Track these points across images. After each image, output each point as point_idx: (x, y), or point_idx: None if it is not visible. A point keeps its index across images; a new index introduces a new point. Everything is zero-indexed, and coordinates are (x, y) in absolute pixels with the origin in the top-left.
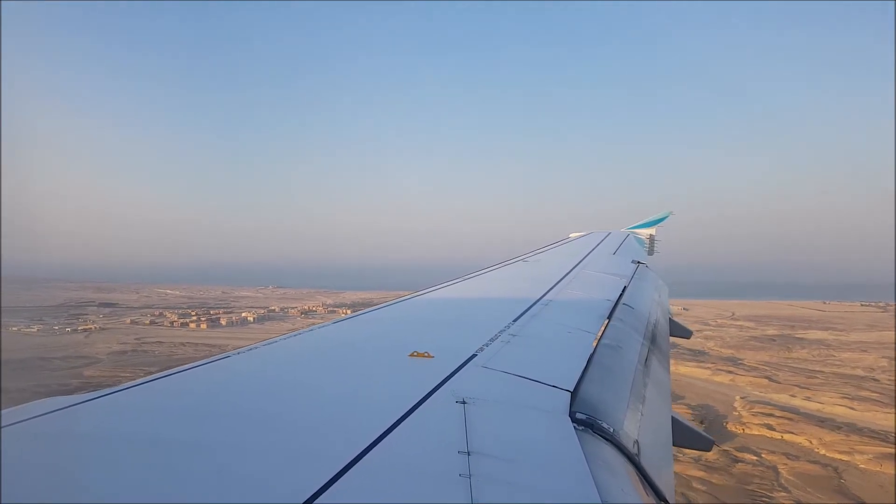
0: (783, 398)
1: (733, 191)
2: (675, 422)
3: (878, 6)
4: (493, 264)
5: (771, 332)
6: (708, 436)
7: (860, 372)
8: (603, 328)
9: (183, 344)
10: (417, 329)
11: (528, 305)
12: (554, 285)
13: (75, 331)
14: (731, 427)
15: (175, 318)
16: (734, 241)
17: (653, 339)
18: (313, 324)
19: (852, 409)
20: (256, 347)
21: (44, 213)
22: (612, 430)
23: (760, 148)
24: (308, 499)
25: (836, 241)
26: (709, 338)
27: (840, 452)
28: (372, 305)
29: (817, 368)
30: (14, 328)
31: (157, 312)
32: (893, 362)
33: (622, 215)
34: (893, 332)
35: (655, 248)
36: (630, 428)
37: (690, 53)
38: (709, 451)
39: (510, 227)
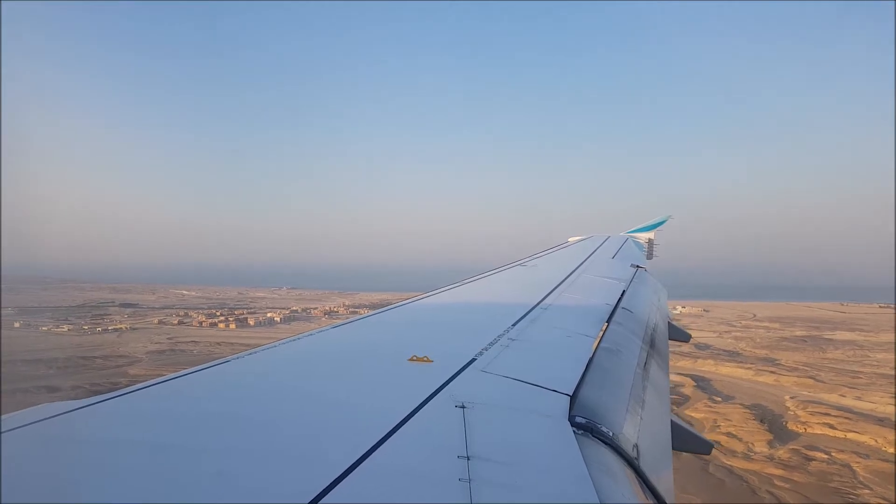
0: (833, 398)
1: (733, 192)
2: (674, 425)
3: (877, 7)
4: (492, 269)
5: (799, 332)
6: (707, 440)
7: None
8: (602, 332)
9: (218, 343)
10: (417, 333)
11: (527, 310)
12: (553, 289)
13: (105, 330)
14: (791, 426)
15: (203, 318)
16: (732, 245)
17: (652, 343)
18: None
19: None
20: (257, 352)
21: (46, 213)
22: (611, 433)
23: (760, 149)
24: (309, 502)
25: (834, 243)
26: (739, 339)
27: None
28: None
29: (857, 369)
30: (44, 328)
31: (181, 313)
32: None
33: (621, 219)
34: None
35: (654, 252)
36: (629, 432)
37: (691, 56)
38: (708, 454)
39: (509, 229)
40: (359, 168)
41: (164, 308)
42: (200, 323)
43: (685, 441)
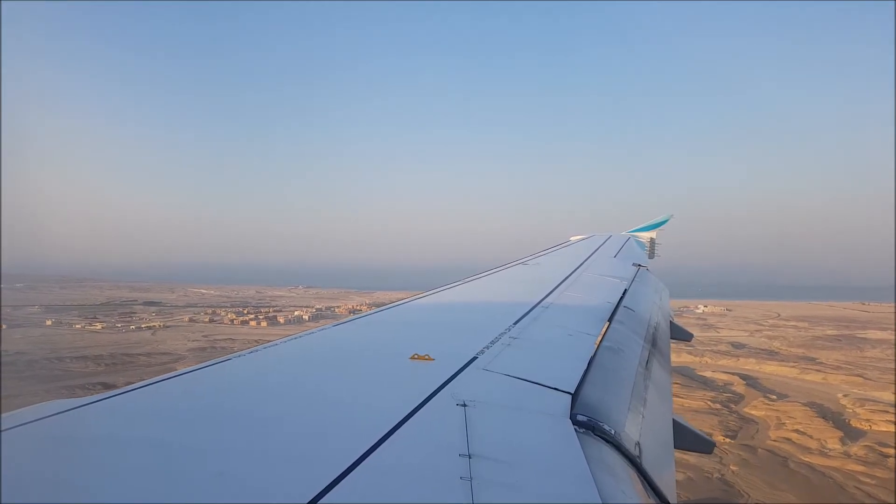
0: (887, 395)
1: (733, 193)
2: (676, 424)
3: (877, 7)
4: (494, 267)
5: (830, 332)
6: (709, 438)
7: None
8: (604, 331)
9: (256, 341)
10: (418, 332)
11: (529, 308)
12: (554, 288)
13: (139, 328)
14: (855, 424)
15: (232, 316)
16: (732, 244)
17: (654, 342)
18: None
19: None
20: (258, 350)
21: (52, 212)
22: (613, 432)
23: (759, 149)
24: (310, 501)
25: (834, 242)
26: (772, 337)
27: None
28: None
29: None
30: (77, 326)
31: (209, 311)
32: None
33: (623, 218)
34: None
35: (656, 252)
36: (631, 430)
37: (691, 56)
38: (710, 452)
39: (509, 229)
40: (361, 168)
41: (187, 306)
42: (231, 321)
43: (687, 440)
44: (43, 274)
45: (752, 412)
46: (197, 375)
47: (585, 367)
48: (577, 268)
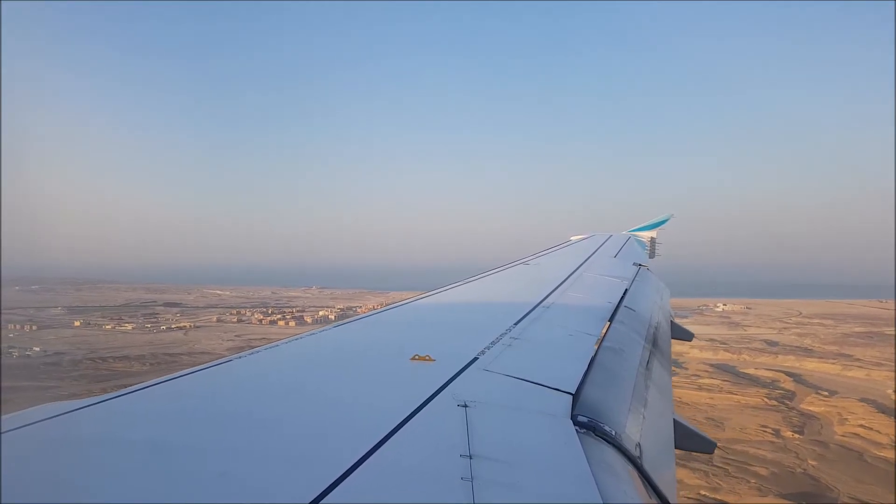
0: None
1: (734, 192)
2: (676, 424)
3: (877, 7)
4: (494, 267)
5: (858, 329)
6: (709, 439)
7: None
8: (604, 331)
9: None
10: (419, 332)
11: (530, 308)
12: (555, 288)
13: (170, 328)
14: None
15: (260, 316)
16: (732, 243)
17: (654, 342)
18: None
19: None
20: (258, 351)
21: (55, 213)
22: (613, 432)
23: (759, 149)
24: (311, 501)
25: (833, 240)
26: (801, 335)
27: None
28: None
29: None
30: (108, 326)
31: (234, 311)
32: None
33: (623, 218)
34: None
35: (657, 251)
36: (632, 430)
37: (691, 56)
38: (711, 453)
39: (510, 229)
40: (364, 168)
41: (208, 307)
42: (260, 321)
43: (688, 440)
44: (50, 276)
45: (811, 408)
46: (198, 376)
47: (586, 368)
48: (578, 268)
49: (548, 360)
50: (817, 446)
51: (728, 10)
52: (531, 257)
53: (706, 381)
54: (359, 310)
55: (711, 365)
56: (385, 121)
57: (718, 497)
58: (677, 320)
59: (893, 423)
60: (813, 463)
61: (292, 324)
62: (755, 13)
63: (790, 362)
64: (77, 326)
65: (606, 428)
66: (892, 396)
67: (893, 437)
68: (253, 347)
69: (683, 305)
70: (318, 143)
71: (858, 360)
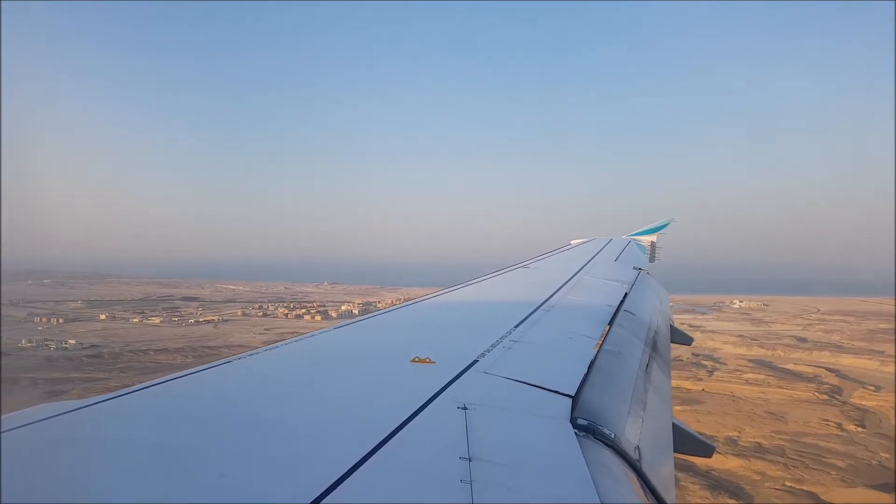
0: None
1: (737, 191)
2: (675, 428)
3: (877, 6)
4: (495, 271)
5: (881, 325)
6: (709, 442)
7: None
8: (604, 334)
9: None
10: (419, 334)
11: (530, 311)
12: (555, 291)
13: (198, 322)
14: None
15: (285, 310)
16: (732, 241)
17: (654, 346)
18: None
19: None
20: (259, 352)
21: (55, 210)
22: (613, 435)
23: (759, 148)
24: (311, 503)
25: (832, 239)
26: (827, 331)
27: None
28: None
29: None
30: (135, 319)
31: (255, 306)
32: None
33: (623, 222)
34: None
35: (657, 255)
36: (631, 434)
37: (692, 56)
38: (709, 456)
39: (510, 229)
40: (366, 168)
41: (226, 301)
42: (285, 315)
43: (687, 444)
44: (57, 270)
45: (864, 403)
46: (199, 376)
47: (586, 371)
48: (578, 271)
49: (547, 363)
50: (883, 439)
51: (729, 9)
52: (531, 261)
53: (750, 375)
54: (378, 304)
55: (750, 360)
56: (385, 121)
57: (805, 488)
58: (697, 316)
59: None
60: (885, 455)
61: (318, 318)
62: (755, 12)
63: (825, 358)
64: (103, 320)
65: (606, 431)
66: None
67: None
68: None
69: (699, 302)
70: (317, 142)
71: (891, 355)
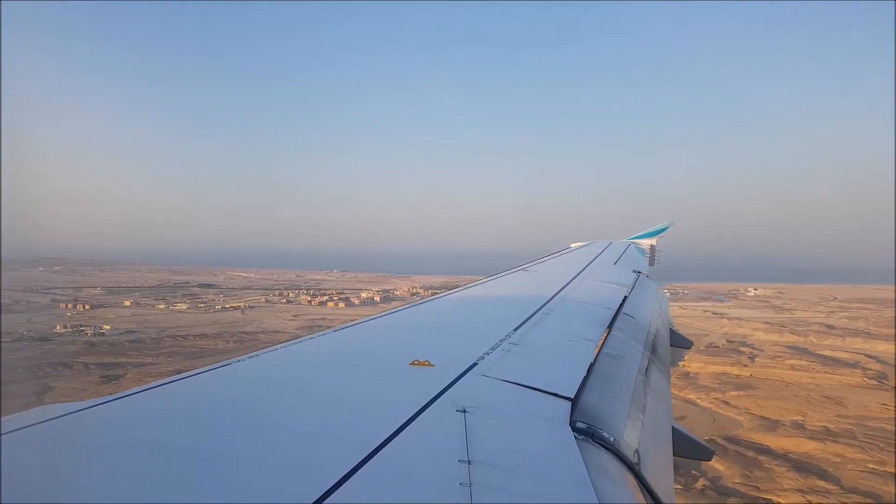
0: None
1: (733, 188)
2: (675, 431)
3: (877, 5)
4: (494, 273)
5: None
6: (708, 446)
7: None
8: (603, 337)
9: (352, 319)
10: (419, 337)
11: (529, 314)
12: (555, 294)
13: (224, 309)
14: None
15: (308, 297)
16: (731, 235)
17: (653, 349)
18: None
19: None
20: (259, 354)
21: (54, 200)
22: (612, 439)
23: (758, 147)
24: None
25: (831, 229)
26: (852, 318)
27: None
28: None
29: None
30: (161, 306)
31: (276, 293)
32: None
33: (623, 225)
34: None
35: (657, 259)
36: (630, 437)
37: (692, 57)
38: (709, 460)
39: (511, 229)
40: (366, 167)
41: (243, 289)
42: (309, 302)
43: (686, 447)
44: (82, 258)
45: None
46: (199, 378)
47: (585, 374)
48: (578, 274)
49: (547, 366)
50: None
51: (726, 8)
52: (531, 264)
53: (793, 361)
54: (395, 292)
55: (787, 347)
56: (379, 120)
57: (889, 470)
58: (716, 304)
59: None
60: None
61: (341, 304)
62: (755, 11)
63: (859, 344)
64: (128, 306)
65: (605, 434)
66: None
67: None
68: (323, 327)
69: (715, 290)
70: (317, 141)
71: None
